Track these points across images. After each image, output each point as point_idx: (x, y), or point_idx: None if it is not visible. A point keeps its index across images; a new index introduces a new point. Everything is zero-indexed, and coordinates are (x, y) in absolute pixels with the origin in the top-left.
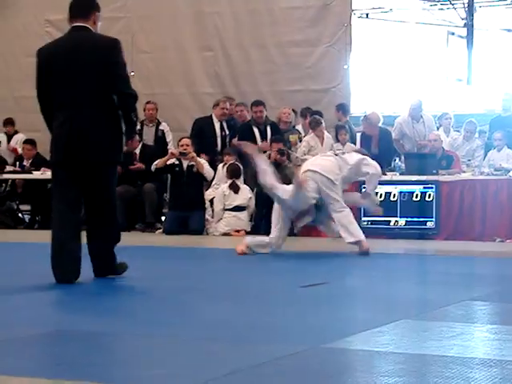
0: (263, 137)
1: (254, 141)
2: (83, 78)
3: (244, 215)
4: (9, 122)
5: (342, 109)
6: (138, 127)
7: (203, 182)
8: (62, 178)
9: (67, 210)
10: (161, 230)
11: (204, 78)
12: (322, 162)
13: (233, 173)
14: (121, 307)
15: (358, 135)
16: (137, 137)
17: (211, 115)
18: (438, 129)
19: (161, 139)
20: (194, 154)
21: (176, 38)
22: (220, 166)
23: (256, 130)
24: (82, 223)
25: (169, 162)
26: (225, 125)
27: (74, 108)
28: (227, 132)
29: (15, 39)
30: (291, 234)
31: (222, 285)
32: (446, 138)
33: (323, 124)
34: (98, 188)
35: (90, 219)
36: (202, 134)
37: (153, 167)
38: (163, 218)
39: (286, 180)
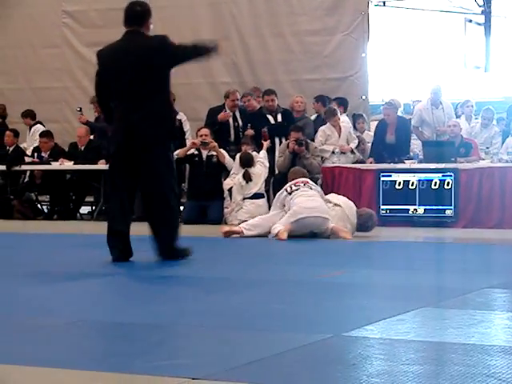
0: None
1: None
2: (138, 75)
3: (263, 202)
4: (28, 114)
5: (321, 100)
6: None
7: (222, 172)
8: (118, 167)
9: (121, 198)
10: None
11: (221, 68)
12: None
13: (245, 161)
14: (141, 296)
15: (373, 124)
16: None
17: (224, 104)
18: (459, 117)
19: (178, 129)
20: (216, 144)
21: (193, 27)
22: (238, 155)
23: (270, 118)
24: (132, 211)
25: (188, 152)
26: (238, 115)
27: (128, 104)
28: (240, 122)
29: (33, 30)
30: None
31: (241, 274)
32: (468, 125)
33: (338, 114)
34: (155, 170)
35: (147, 206)
36: (214, 124)
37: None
38: (181, 208)
39: (306, 170)
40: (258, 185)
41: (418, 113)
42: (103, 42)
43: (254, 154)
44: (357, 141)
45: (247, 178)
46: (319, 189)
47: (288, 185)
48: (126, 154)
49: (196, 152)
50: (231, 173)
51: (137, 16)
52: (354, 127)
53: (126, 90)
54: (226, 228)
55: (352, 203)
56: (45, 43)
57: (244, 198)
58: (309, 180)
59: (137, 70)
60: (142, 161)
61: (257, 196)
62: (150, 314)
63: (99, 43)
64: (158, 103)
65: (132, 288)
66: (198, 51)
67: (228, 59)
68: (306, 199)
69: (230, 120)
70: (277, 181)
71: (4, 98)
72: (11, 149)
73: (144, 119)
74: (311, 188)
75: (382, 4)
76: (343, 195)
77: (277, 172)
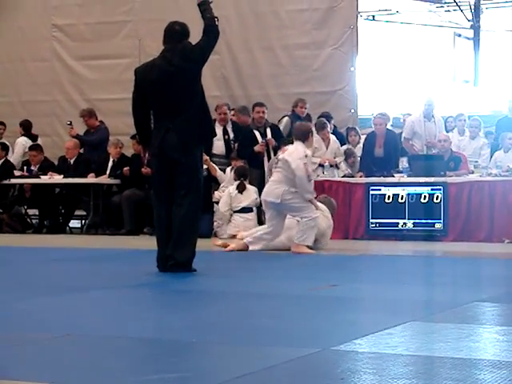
0: (264, 139)
1: (256, 144)
2: (174, 89)
3: (252, 216)
4: (22, 124)
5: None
6: None
7: (212, 186)
8: (159, 181)
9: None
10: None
11: (211, 81)
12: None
13: (240, 173)
14: (136, 309)
15: (363, 137)
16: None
17: (215, 119)
18: (450, 130)
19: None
20: (207, 158)
21: None
22: (228, 169)
23: (257, 133)
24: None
25: None
26: (229, 129)
27: (168, 118)
28: (231, 136)
29: (22, 43)
30: None
31: (231, 288)
32: (460, 138)
33: (328, 128)
34: (185, 177)
35: (176, 203)
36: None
37: None
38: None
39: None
40: (249, 198)
41: (410, 124)
42: (93, 55)
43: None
44: (343, 157)
45: (241, 188)
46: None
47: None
48: (165, 166)
49: None
50: (221, 186)
51: (175, 35)
52: (347, 140)
53: (163, 104)
54: (219, 242)
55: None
56: (35, 57)
57: (233, 211)
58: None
59: (173, 83)
60: (176, 171)
61: (246, 210)
62: (144, 329)
63: (89, 57)
64: (194, 113)
65: (123, 301)
66: (211, 29)
67: (218, 73)
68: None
69: (219, 133)
70: None
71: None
72: (0, 162)
73: (181, 128)
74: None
75: (372, 18)
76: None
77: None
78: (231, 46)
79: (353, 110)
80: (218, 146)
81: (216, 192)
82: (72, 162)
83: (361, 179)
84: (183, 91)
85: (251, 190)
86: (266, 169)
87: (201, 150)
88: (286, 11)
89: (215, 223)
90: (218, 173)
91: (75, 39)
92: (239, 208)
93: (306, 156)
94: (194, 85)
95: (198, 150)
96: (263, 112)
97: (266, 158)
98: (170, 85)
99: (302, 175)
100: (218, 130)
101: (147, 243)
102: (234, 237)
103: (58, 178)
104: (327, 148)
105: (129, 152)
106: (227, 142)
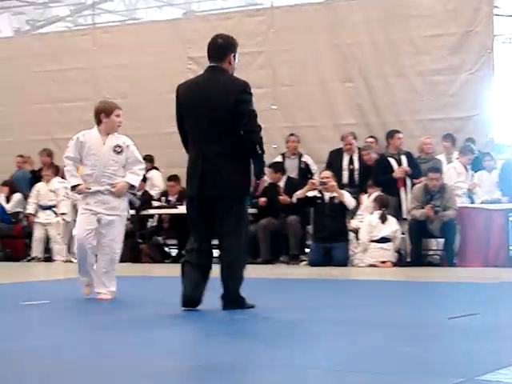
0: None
1: (391, 171)
2: (214, 116)
3: (390, 246)
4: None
5: (450, 138)
6: (280, 159)
7: (346, 214)
8: (195, 211)
9: (199, 237)
10: (305, 262)
11: (346, 110)
12: None
13: (382, 203)
14: (255, 335)
15: (499, 163)
16: (265, 177)
17: (342, 148)
18: None
19: (304, 171)
20: (335, 184)
21: (316, 70)
22: (364, 196)
23: (392, 161)
24: (211, 255)
25: (311, 194)
26: (355, 158)
27: (205, 144)
28: (356, 166)
29: (159, 76)
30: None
31: (368, 316)
32: None
33: (472, 153)
34: (228, 222)
35: (220, 253)
36: (331, 166)
37: (294, 198)
38: (307, 250)
39: None
40: (390, 229)
41: None
42: None
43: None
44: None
45: (383, 218)
46: None
47: None
48: (202, 195)
49: (319, 194)
50: (357, 213)
51: (217, 49)
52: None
53: (201, 128)
54: None
55: None
56: (169, 89)
57: (371, 241)
58: None
59: (213, 108)
60: (218, 204)
61: (384, 240)
62: (291, 357)
63: None
64: (233, 145)
65: (244, 326)
66: (257, 147)
67: (352, 101)
68: None
69: (345, 162)
70: (414, 227)
71: None
72: (139, 193)
73: (219, 161)
74: None
75: (509, 40)
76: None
77: (409, 218)
78: (365, 73)
79: (490, 136)
80: (344, 176)
81: (352, 220)
82: None
83: (500, 205)
84: (222, 120)
85: (392, 220)
86: (402, 196)
87: (243, 195)
88: (420, 37)
89: (350, 252)
90: (347, 198)
91: None
92: (378, 238)
93: None
94: (231, 120)
95: (237, 198)
96: (399, 139)
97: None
98: (209, 108)
99: None
100: (345, 158)
101: (284, 272)
102: (371, 266)
103: None
104: (467, 171)
105: None
106: (351, 171)
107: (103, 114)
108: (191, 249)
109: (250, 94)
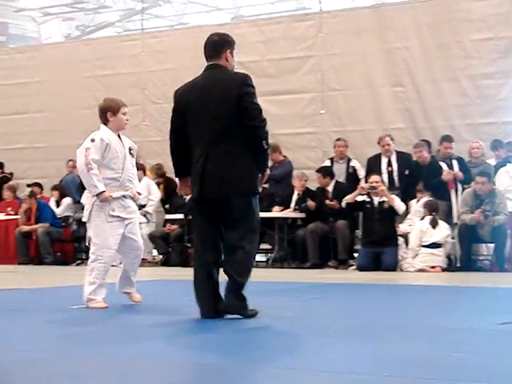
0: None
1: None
2: (216, 114)
3: (440, 251)
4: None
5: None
6: (328, 163)
7: (395, 218)
8: (201, 213)
9: (204, 246)
10: (354, 267)
11: (395, 114)
12: None
13: (432, 208)
14: (294, 343)
15: None
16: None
17: (379, 153)
18: None
19: (352, 176)
20: (384, 188)
21: (365, 75)
22: (413, 201)
23: (444, 165)
24: (219, 259)
25: (360, 199)
26: (393, 159)
27: (209, 144)
28: (395, 167)
29: None
30: (482, 269)
31: (416, 321)
32: None
33: None
34: (235, 221)
35: (225, 254)
36: (371, 172)
37: (343, 203)
38: (356, 255)
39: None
40: (441, 234)
41: None
42: (276, 90)
43: None
44: None
45: (434, 223)
46: None
47: None
48: (206, 196)
49: (368, 199)
50: (407, 218)
51: (213, 46)
52: None
53: (204, 129)
54: None
55: None
56: None
57: (422, 246)
58: None
59: (215, 106)
60: (224, 204)
61: (434, 245)
62: (339, 361)
63: (272, 92)
64: (236, 142)
65: (286, 334)
66: (263, 140)
67: (401, 105)
68: None
69: (383, 165)
70: (463, 232)
71: (159, 157)
72: (188, 198)
73: (223, 160)
74: None
75: None
76: None
77: (459, 223)
78: (415, 77)
79: None
80: (383, 179)
81: (401, 225)
82: None
83: None
84: (225, 117)
85: (443, 226)
86: (453, 201)
87: (251, 194)
88: (470, 41)
89: (399, 256)
90: (397, 203)
91: (259, 75)
92: (428, 243)
93: None
94: (234, 117)
95: (244, 197)
96: (451, 148)
97: (452, 191)
98: (210, 108)
99: None
100: (384, 161)
101: (332, 276)
102: (420, 271)
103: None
104: None
105: (313, 185)
106: (390, 173)
107: (110, 112)
108: (198, 258)
109: (253, 86)
